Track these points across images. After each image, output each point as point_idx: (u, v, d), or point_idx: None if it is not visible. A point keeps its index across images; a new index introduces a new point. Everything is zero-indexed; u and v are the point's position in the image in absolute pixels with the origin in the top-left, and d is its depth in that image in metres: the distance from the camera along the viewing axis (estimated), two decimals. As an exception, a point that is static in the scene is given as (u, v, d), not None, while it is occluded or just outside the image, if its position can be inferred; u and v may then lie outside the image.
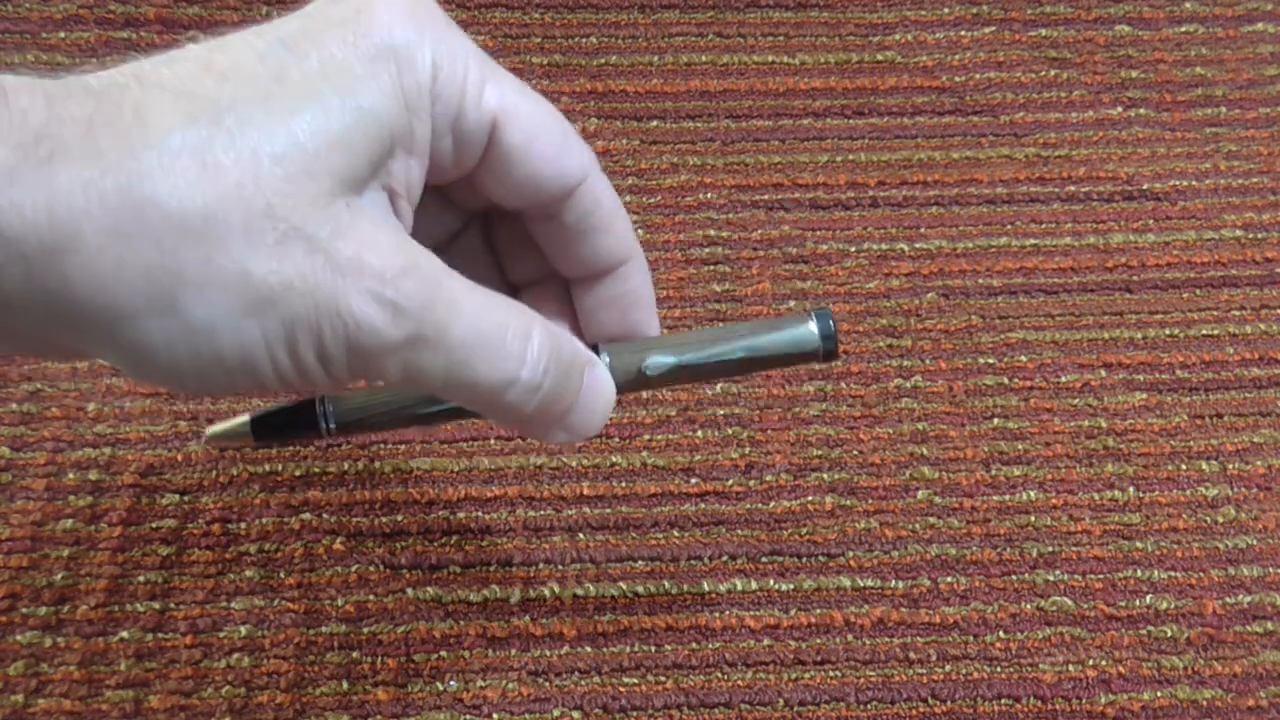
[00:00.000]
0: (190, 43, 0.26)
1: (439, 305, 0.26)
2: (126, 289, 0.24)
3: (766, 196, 0.49)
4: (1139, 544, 0.40)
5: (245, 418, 0.32)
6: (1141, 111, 0.52)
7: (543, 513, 0.41)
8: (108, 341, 0.24)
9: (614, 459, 0.42)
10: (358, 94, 0.25)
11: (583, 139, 0.30)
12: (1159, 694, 0.37)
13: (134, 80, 0.24)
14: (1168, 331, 0.46)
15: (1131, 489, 0.42)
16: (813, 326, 0.32)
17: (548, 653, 0.38)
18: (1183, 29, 0.55)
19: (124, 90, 0.24)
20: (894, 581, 0.40)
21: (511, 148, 0.28)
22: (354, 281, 0.25)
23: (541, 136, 0.29)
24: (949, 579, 0.40)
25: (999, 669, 0.38)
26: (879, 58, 0.54)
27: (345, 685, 0.37)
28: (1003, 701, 0.37)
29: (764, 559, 0.40)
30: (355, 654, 0.38)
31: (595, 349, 0.31)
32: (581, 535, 0.40)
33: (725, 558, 0.40)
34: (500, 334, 0.27)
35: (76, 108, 0.23)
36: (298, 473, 0.41)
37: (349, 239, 0.25)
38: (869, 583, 0.40)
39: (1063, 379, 0.44)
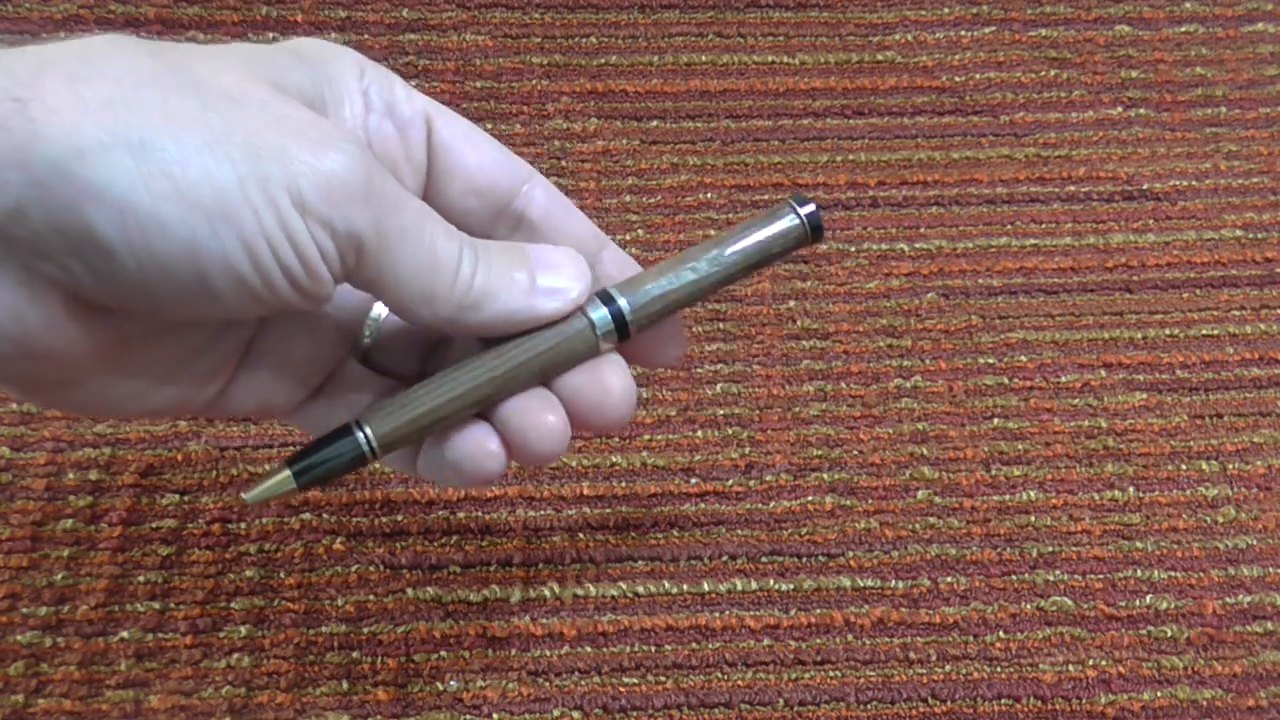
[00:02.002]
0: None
1: (389, 177, 0.27)
2: (93, 121, 0.24)
3: (766, 196, 0.49)
4: (1139, 544, 0.40)
5: (282, 466, 0.29)
6: (1141, 111, 0.52)
7: (543, 513, 0.41)
8: (85, 191, 0.24)
9: (614, 459, 0.42)
10: (285, 54, 0.28)
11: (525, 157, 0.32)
12: (1159, 694, 0.37)
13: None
14: (1168, 331, 0.46)
15: (1131, 489, 0.42)
16: (794, 212, 0.33)
17: (548, 653, 0.38)
18: (1183, 29, 0.55)
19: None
20: (894, 581, 0.40)
21: (453, 135, 0.31)
22: (315, 129, 0.26)
23: (474, 130, 0.31)
24: (949, 579, 0.40)
25: (999, 669, 0.38)
26: (879, 58, 0.54)
27: (345, 685, 0.37)
28: (1003, 701, 0.37)
29: (764, 559, 0.40)
30: (355, 654, 0.38)
31: (607, 295, 0.31)
32: (581, 535, 0.40)
33: (725, 558, 0.40)
34: (435, 216, 0.29)
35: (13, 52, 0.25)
36: (298, 473, 0.41)
37: (298, 108, 0.26)
38: (869, 583, 0.40)
39: (1063, 379, 0.44)
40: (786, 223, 0.33)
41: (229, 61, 0.26)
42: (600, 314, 0.31)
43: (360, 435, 0.29)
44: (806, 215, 0.33)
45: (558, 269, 0.31)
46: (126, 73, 0.24)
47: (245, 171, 0.25)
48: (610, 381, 0.31)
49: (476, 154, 0.31)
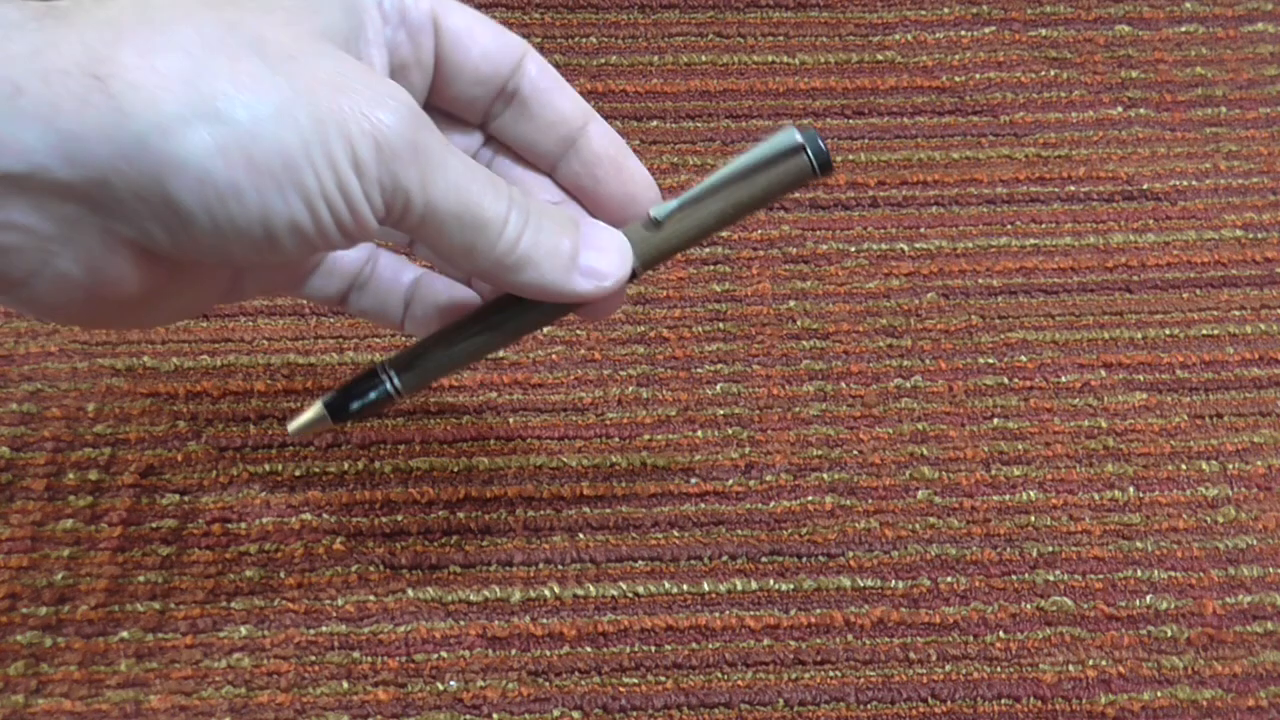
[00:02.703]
0: None
1: (436, 132, 0.29)
2: (171, 95, 0.25)
3: (766, 196, 0.49)
4: (1139, 544, 0.40)
5: (319, 404, 0.33)
6: (1141, 111, 0.52)
7: (543, 513, 0.41)
8: (172, 173, 0.25)
9: (614, 459, 0.42)
10: (334, 10, 0.29)
11: None
12: (1159, 694, 0.37)
13: None
14: (1168, 331, 0.46)
15: (1131, 489, 0.42)
16: (795, 134, 0.33)
17: (548, 653, 0.38)
18: (1183, 29, 0.55)
19: None
20: (894, 581, 0.40)
21: (457, 31, 0.32)
22: (366, 90, 0.27)
23: (479, 19, 0.33)
24: (949, 579, 0.40)
25: (999, 669, 0.38)
26: (879, 58, 0.54)
27: (345, 685, 0.37)
28: (1003, 701, 0.37)
29: (764, 559, 0.40)
30: (355, 654, 0.38)
31: None
32: (581, 535, 0.40)
33: (725, 558, 0.40)
34: (485, 174, 0.30)
35: None
36: (298, 473, 0.41)
37: (351, 64, 0.28)
38: (869, 583, 0.40)
39: (1063, 379, 0.44)
40: (793, 162, 0.33)
41: (279, 14, 0.27)
42: None
43: (385, 379, 0.33)
44: (814, 154, 0.33)
45: (603, 251, 0.32)
46: (195, 39, 0.26)
47: (309, 136, 0.26)
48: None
49: (478, 44, 0.32)
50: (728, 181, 0.33)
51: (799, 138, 0.33)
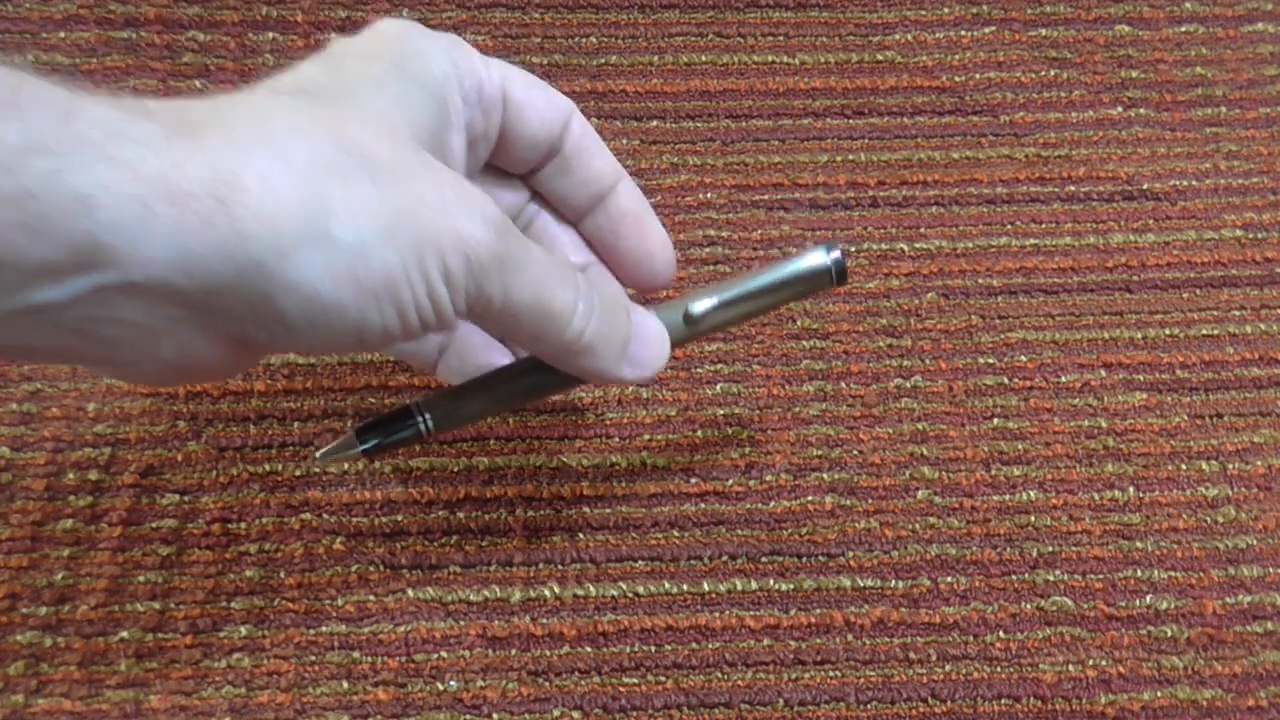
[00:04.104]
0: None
1: (517, 235, 0.31)
2: (288, 220, 0.27)
3: (766, 196, 0.49)
4: (1139, 544, 0.40)
5: (351, 434, 0.35)
6: (1141, 111, 0.52)
7: (543, 513, 0.41)
8: (280, 293, 0.27)
9: (614, 459, 0.42)
10: (401, 87, 0.31)
11: None
12: (1159, 694, 0.37)
13: (233, 96, 0.29)
14: (1168, 331, 0.46)
15: (1131, 489, 0.42)
16: (825, 255, 0.36)
17: (548, 653, 0.38)
18: (1183, 29, 0.55)
19: (223, 99, 0.28)
20: (894, 581, 0.40)
21: (520, 102, 0.34)
22: (461, 207, 0.29)
23: (536, 85, 0.34)
24: (949, 579, 0.40)
25: (999, 669, 0.38)
26: (879, 58, 0.54)
27: (345, 685, 0.37)
28: (1003, 701, 0.37)
29: (764, 559, 0.40)
30: (355, 654, 0.38)
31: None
32: (581, 535, 0.40)
33: (725, 558, 0.40)
34: (559, 267, 0.33)
35: (200, 106, 0.28)
36: (298, 473, 0.41)
37: (445, 176, 0.30)
38: (869, 583, 0.40)
39: (1063, 379, 0.44)
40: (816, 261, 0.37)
41: (380, 125, 0.29)
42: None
43: (419, 419, 0.35)
44: (833, 260, 0.37)
45: (648, 343, 0.35)
46: (311, 160, 0.27)
47: (409, 256, 0.28)
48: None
49: (536, 112, 0.34)
50: (760, 292, 0.37)
51: (829, 262, 0.36)
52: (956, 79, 0.53)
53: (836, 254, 0.36)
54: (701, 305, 0.36)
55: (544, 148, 0.35)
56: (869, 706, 0.37)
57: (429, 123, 0.31)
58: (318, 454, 0.35)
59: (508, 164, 0.36)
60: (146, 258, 0.26)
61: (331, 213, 0.27)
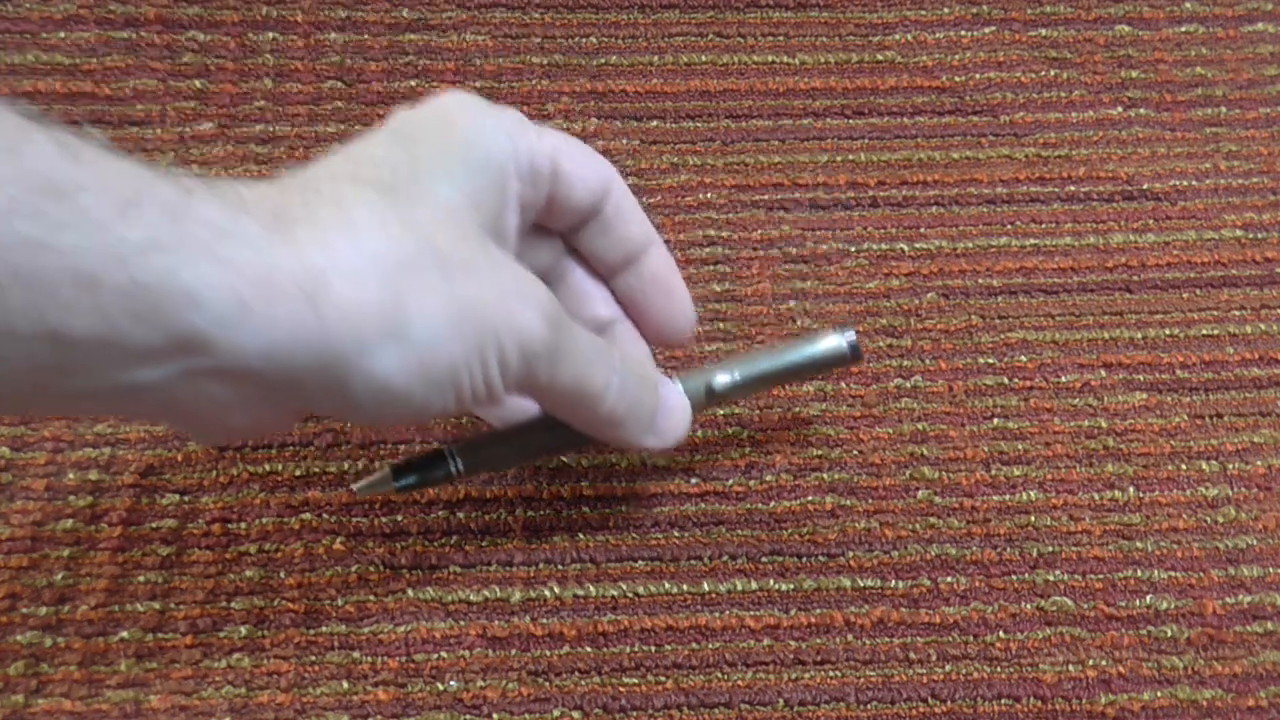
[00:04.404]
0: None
1: (567, 323, 0.34)
2: (370, 320, 0.29)
3: (766, 196, 0.49)
4: (1139, 544, 0.40)
5: (387, 470, 0.37)
6: (1141, 111, 0.52)
7: (542, 513, 0.41)
8: (354, 381, 0.30)
9: (614, 459, 0.42)
10: (470, 168, 0.33)
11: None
12: (1159, 694, 0.37)
13: (308, 178, 0.31)
14: (1168, 331, 0.46)
15: (1131, 489, 0.42)
16: (841, 339, 0.39)
17: (548, 653, 0.38)
18: (1183, 29, 0.55)
19: (311, 182, 0.31)
20: (894, 581, 0.40)
21: (568, 173, 0.35)
22: (520, 300, 0.32)
23: (583, 158, 0.36)
24: (949, 579, 0.40)
25: (999, 669, 0.38)
26: (879, 58, 0.54)
27: (345, 685, 0.37)
28: (1003, 701, 0.37)
29: (764, 559, 0.40)
30: (355, 654, 0.38)
31: (668, 377, 0.39)
32: (581, 535, 0.40)
33: (725, 558, 0.40)
34: (600, 350, 0.35)
35: (292, 196, 0.30)
36: (298, 473, 0.41)
37: (507, 270, 0.32)
38: (869, 583, 0.40)
39: (1063, 379, 0.44)
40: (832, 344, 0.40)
41: (450, 217, 0.32)
42: None
43: (451, 463, 0.37)
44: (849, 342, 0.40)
45: (672, 414, 0.38)
46: (392, 259, 0.30)
47: (471, 348, 0.31)
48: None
49: (583, 181, 0.36)
50: (779, 373, 0.40)
51: (845, 347, 0.39)
52: (956, 79, 0.53)
53: (851, 336, 0.40)
54: (723, 381, 0.39)
55: (586, 213, 0.37)
56: (869, 706, 0.37)
57: (492, 206, 0.33)
58: (354, 486, 0.38)
59: (549, 223, 0.37)
60: (238, 347, 0.28)
61: (408, 311, 0.30)
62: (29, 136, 0.26)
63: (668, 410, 0.38)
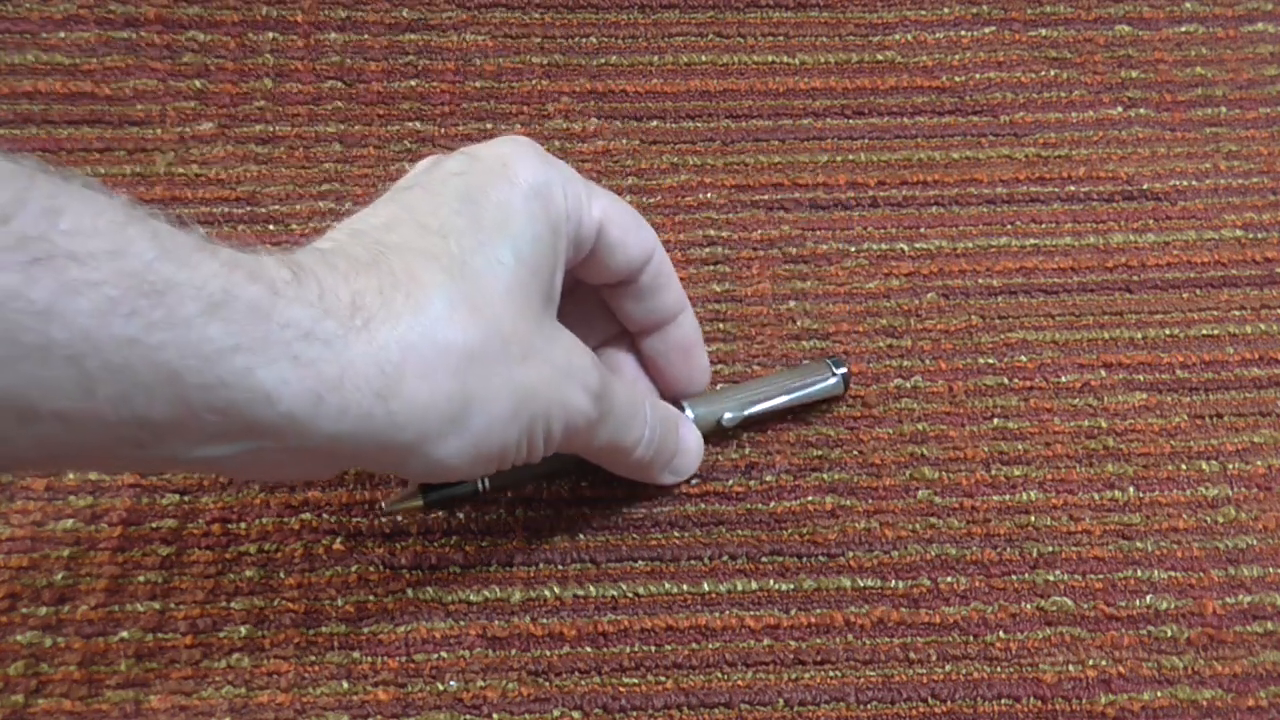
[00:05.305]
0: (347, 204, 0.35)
1: (610, 389, 0.35)
2: (436, 414, 0.31)
3: (766, 196, 0.49)
4: (1139, 544, 0.40)
5: (415, 488, 0.39)
6: (1141, 111, 0.52)
7: (543, 513, 0.41)
8: (412, 460, 0.31)
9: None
10: (532, 230, 0.33)
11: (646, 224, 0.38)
12: (1159, 694, 0.37)
13: (381, 248, 0.31)
14: (1168, 331, 0.46)
15: (1131, 489, 0.42)
16: (836, 379, 0.43)
17: (548, 653, 0.38)
18: (1183, 29, 0.55)
19: (384, 258, 0.31)
20: (894, 581, 0.40)
21: (613, 242, 0.36)
22: (570, 380, 0.34)
23: (630, 228, 0.37)
24: (949, 579, 0.40)
25: (999, 669, 0.38)
26: (879, 58, 0.54)
27: (345, 685, 0.37)
28: (1003, 701, 0.37)
29: (764, 559, 0.40)
30: (355, 654, 0.38)
31: (680, 405, 0.41)
32: (581, 535, 0.40)
33: (725, 558, 0.40)
34: (635, 408, 0.37)
35: (365, 280, 0.30)
36: (298, 473, 0.41)
37: (559, 346, 0.34)
38: (869, 583, 0.40)
39: (1063, 379, 0.44)
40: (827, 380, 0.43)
41: (513, 292, 0.32)
42: None
43: (477, 480, 0.38)
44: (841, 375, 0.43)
45: (688, 454, 0.40)
46: (460, 354, 0.31)
47: (522, 429, 0.33)
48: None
49: (625, 251, 0.37)
50: (781, 409, 0.42)
51: (840, 384, 0.43)
52: (956, 79, 0.53)
53: (843, 370, 0.43)
54: (731, 417, 0.41)
55: (623, 278, 0.38)
56: (869, 706, 0.37)
57: (547, 268, 0.34)
58: (384, 504, 0.39)
59: (585, 279, 0.38)
60: (309, 435, 0.29)
61: (471, 404, 0.31)
62: (129, 234, 0.27)
63: (684, 450, 0.40)
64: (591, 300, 0.39)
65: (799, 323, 0.46)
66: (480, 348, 0.31)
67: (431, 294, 0.31)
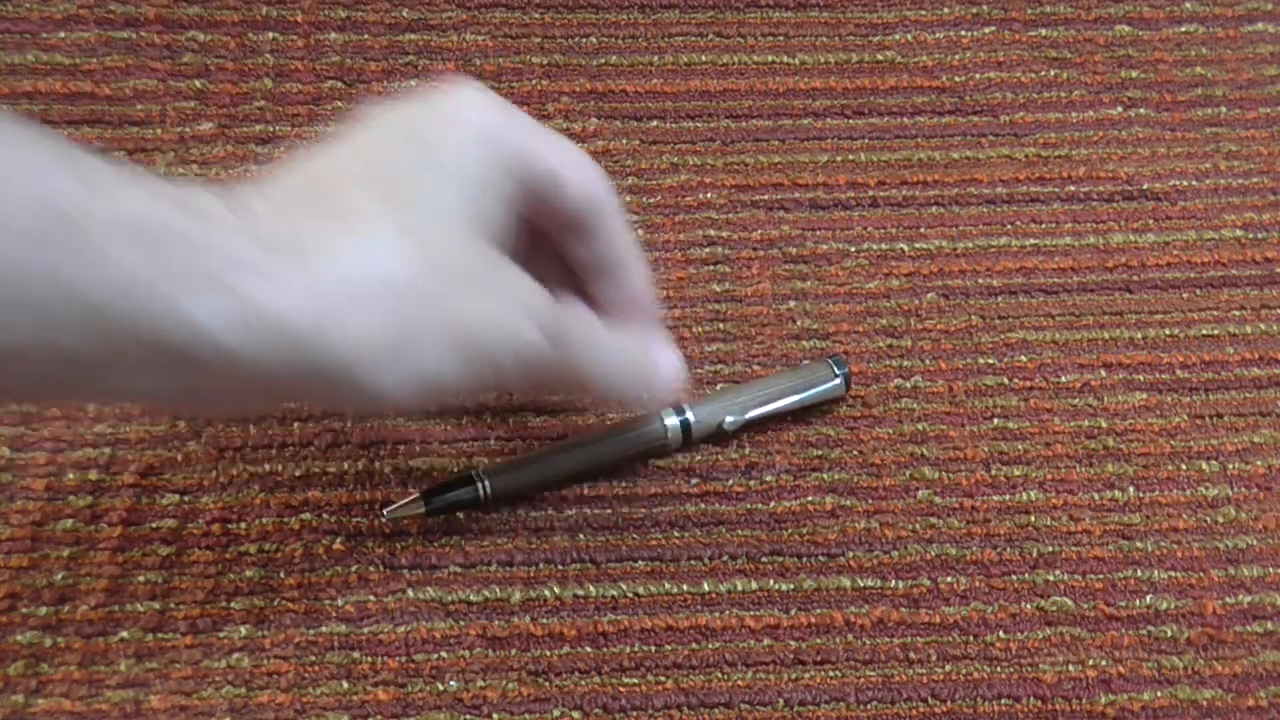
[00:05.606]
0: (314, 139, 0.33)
1: (564, 324, 0.34)
2: (374, 346, 0.30)
3: (766, 196, 0.49)
4: (1139, 544, 0.40)
5: (418, 496, 0.39)
6: (1141, 111, 0.52)
7: (543, 513, 0.41)
8: (352, 390, 0.30)
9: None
10: (482, 170, 0.33)
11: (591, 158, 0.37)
12: (1159, 694, 0.37)
13: (324, 183, 0.31)
14: (1168, 331, 0.46)
15: (1131, 489, 0.42)
16: (838, 380, 0.43)
17: (548, 653, 0.38)
18: (1183, 29, 0.55)
19: (326, 193, 0.31)
20: (894, 581, 0.40)
21: (562, 183, 0.35)
22: (517, 313, 0.33)
23: (579, 169, 0.36)
24: (949, 579, 0.40)
25: (999, 669, 0.38)
26: (879, 58, 0.54)
27: (345, 685, 0.37)
28: (1003, 701, 0.37)
29: (764, 559, 0.40)
30: (355, 654, 0.38)
31: (681, 408, 0.41)
32: (581, 535, 0.40)
33: (725, 558, 0.40)
34: (593, 339, 0.36)
35: (304, 212, 0.30)
36: (298, 473, 0.41)
37: (506, 280, 0.33)
38: (869, 583, 0.40)
39: (1063, 379, 0.44)
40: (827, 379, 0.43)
41: (456, 225, 0.32)
42: (673, 422, 0.41)
43: (479, 484, 0.40)
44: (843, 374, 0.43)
45: (665, 375, 0.39)
46: (401, 288, 0.30)
47: (469, 364, 0.32)
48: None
49: (574, 192, 0.35)
50: (783, 410, 0.42)
51: (842, 385, 0.43)
52: (956, 79, 0.53)
53: (845, 370, 0.43)
54: (733, 420, 0.41)
55: (572, 220, 0.37)
56: (869, 706, 0.37)
57: (496, 210, 0.33)
58: (385, 512, 0.39)
59: (536, 222, 0.37)
60: (241, 365, 0.28)
61: (413, 337, 0.30)
62: (41, 164, 0.26)
63: (662, 373, 0.39)
64: (544, 248, 0.38)
65: (799, 323, 0.46)
66: (423, 281, 0.31)
67: (374, 227, 0.31)
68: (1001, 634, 0.39)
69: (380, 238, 0.31)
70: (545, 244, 0.38)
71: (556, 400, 0.43)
